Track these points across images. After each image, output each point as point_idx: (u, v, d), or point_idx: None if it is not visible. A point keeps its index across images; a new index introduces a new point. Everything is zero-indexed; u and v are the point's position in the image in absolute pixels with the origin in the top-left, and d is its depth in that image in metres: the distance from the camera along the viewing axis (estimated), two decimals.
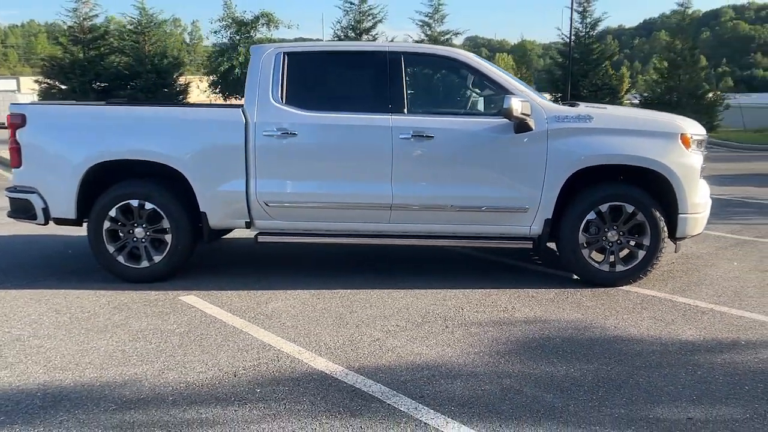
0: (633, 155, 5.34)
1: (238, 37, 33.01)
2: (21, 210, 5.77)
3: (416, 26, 33.42)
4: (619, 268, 5.50)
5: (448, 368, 3.93)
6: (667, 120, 5.65)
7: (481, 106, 5.75)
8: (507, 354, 4.15)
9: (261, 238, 5.68)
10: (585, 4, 32.54)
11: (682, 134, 5.43)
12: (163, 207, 5.56)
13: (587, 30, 32.77)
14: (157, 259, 5.64)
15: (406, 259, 6.60)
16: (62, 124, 5.66)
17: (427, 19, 33.12)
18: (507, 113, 5.18)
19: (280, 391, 3.60)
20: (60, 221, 5.77)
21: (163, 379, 3.76)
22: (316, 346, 4.27)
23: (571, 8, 31.16)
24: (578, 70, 30.56)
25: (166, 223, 5.58)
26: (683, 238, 5.54)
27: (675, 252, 5.70)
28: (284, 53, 5.60)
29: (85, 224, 5.73)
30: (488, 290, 5.47)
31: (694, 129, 5.56)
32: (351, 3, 33.05)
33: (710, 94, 30.52)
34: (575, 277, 5.76)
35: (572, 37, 30.53)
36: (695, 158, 5.46)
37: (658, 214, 5.38)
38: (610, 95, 29.98)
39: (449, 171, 5.48)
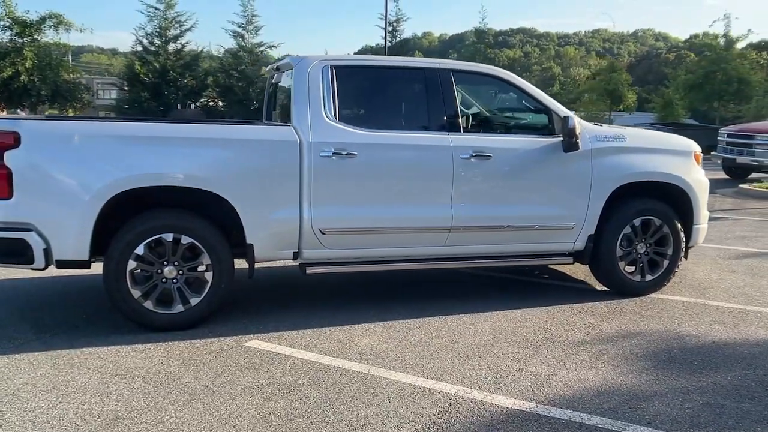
0: (665, 173, 5.82)
1: (21, 40, 29.30)
2: (10, 252, 4.55)
3: (229, 36, 32.51)
4: (648, 277, 5.93)
5: (629, 389, 3.92)
6: (682, 139, 6.22)
7: (529, 125, 5.80)
8: (656, 369, 4.25)
9: (310, 269, 5.14)
10: (395, 24, 34.26)
11: (695, 152, 6.04)
12: (203, 240, 4.78)
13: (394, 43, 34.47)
14: (194, 301, 4.83)
15: (421, 282, 6.40)
16: (73, 143, 4.60)
17: (240, 29, 32.41)
18: (570, 132, 5.33)
19: None
20: (64, 264, 4.68)
21: None
22: (473, 382, 4.00)
23: (385, 28, 32.58)
24: None
25: (206, 259, 4.80)
26: (692, 246, 6.14)
27: (684, 259, 6.27)
28: (332, 66, 5.15)
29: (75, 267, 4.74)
30: (542, 308, 5.51)
31: (698, 148, 6.19)
32: (155, 8, 31.12)
33: None
34: (600, 287, 6.09)
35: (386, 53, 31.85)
36: (703, 173, 6.09)
37: (679, 225, 5.90)
38: None
39: (506, 191, 5.48)
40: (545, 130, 5.63)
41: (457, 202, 5.30)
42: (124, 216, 4.73)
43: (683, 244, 5.97)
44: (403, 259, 5.38)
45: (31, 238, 4.49)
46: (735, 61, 29.68)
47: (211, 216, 4.87)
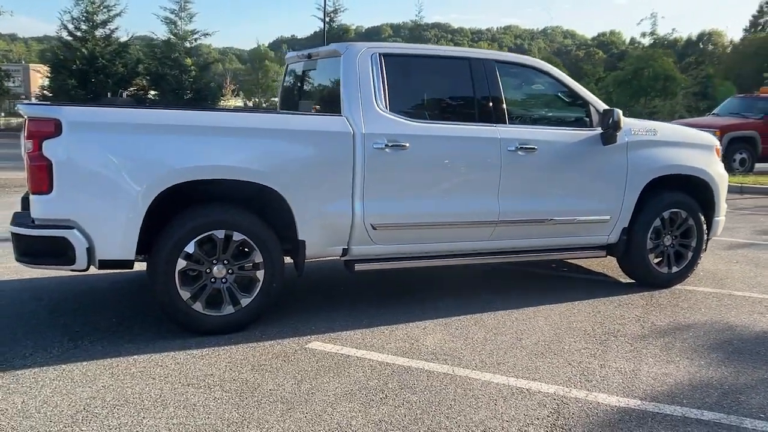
0: (692, 166, 5.93)
1: None
2: (48, 253, 4.12)
3: (161, 23, 31.11)
4: (674, 269, 6.03)
5: (719, 382, 3.91)
6: (704, 134, 6.34)
7: (567, 118, 5.74)
8: (730, 361, 4.27)
9: (359, 267, 4.91)
10: (332, 15, 33.82)
11: (716, 146, 6.18)
12: (255, 237, 4.48)
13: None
14: (245, 302, 4.52)
15: (454, 278, 6.25)
16: (121, 133, 4.18)
17: (173, 16, 31.09)
18: (616, 125, 5.33)
19: None
20: (107, 265, 4.26)
21: None
22: (565, 380, 3.89)
23: (324, 19, 32.15)
24: None
25: (258, 257, 4.50)
26: (711, 238, 6.29)
27: (704, 251, 6.41)
28: (380, 54, 4.92)
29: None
30: (583, 302, 5.49)
31: (718, 142, 6.34)
32: None
33: None
34: (627, 280, 6.16)
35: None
36: (722, 167, 6.24)
37: (702, 218, 6.04)
38: None
39: (549, 184, 5.42)
40: (582, 122, 5.62)
41: (503, 195, 5.21)
42: (166, 212, 4.39)
43: (705, 236, 6.13)
44: (449, 255, 5.26)
45: (73, 236, 4.07)
46: (662, 59, 31.09)
47: (259, 211, 4.60)
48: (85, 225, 4.10)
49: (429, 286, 5.97)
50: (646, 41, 33.25)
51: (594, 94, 5.84)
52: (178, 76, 30.53)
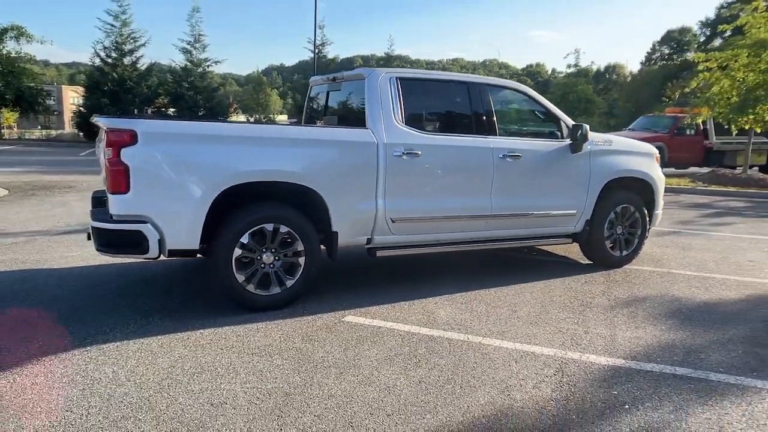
0: (638, 170, 5.92)
1: None
2: (125, 244, 3.89)
3: (179, 52, 30.33)
4: (624, 253, 6.02)
5: (681, 343, 3.87)
6: (646, 144, 6.34)
7: (542, 131, 5.67)
8: (684, 325, 4.22)
9: (380, 253, 4.77)
10: (320, 47, 33.33)
11: (655, 154, 6.19)
12: (298, 229, 4.31)
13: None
14: (289, 283, 4.35)
15: (455, 262, 6.11)
16: (188, 142, 3.96)
17: (188, 46, 30.37)
18: (584, 137, 5.30)
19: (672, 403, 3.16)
20: (175, 253, 4.05)
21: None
22: (560, 344, 3.81)
23: (314, 51, 31.67)
24: None
25: (299, 246, 4.33)
26: (651, 228, 6.31)
27: (647, 238, 6.41)
28: (396, 78, 4.79)
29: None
30: (557, 279, 5.43)
31: (656, 151, 6.36)
32: (112, 25, 28.60)
33: None
34: (585, 262, 6.13)
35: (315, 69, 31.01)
36: (660, 171, 6.26)
37: (646, 211, 6.04)
38: None
39: (531, 184, 5.34)
40: (555, 135, 5.56)
41: (495, 194, 5.12)
42: (222, 209, 4.18)
43: (648, 226, 6.15)
44: (452, 243, 5.15)
45: (147, 229, 3.86)
46: (583, 85, 31.49)
47: (300, 208, 4.42)
48: (157, 219, 3.89)
49: (434, 269, 5.83)
50: (571, 70, 33.69)
51: None
52: (193, 96, 29.89)
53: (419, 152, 4.70)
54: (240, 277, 4.18)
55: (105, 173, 3.87)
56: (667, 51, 59.71)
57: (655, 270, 5.95)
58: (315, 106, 5.96)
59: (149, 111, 28.73)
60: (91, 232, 3.98)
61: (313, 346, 3.67)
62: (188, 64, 30.34)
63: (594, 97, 31.77)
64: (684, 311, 4.62)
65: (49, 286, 4.77)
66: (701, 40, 50.51)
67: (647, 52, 60.90)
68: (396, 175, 4.64)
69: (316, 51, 32.45)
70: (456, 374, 3.32)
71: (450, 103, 5.20)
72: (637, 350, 3.77)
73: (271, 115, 55.47)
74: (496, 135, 5.16)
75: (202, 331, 3.88)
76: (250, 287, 4.22)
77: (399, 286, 5.06)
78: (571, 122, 5.54)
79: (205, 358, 3.45)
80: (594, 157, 5.63)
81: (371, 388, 3.11)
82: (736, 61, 14.19)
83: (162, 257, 4.02)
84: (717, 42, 45.07)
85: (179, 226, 3.97)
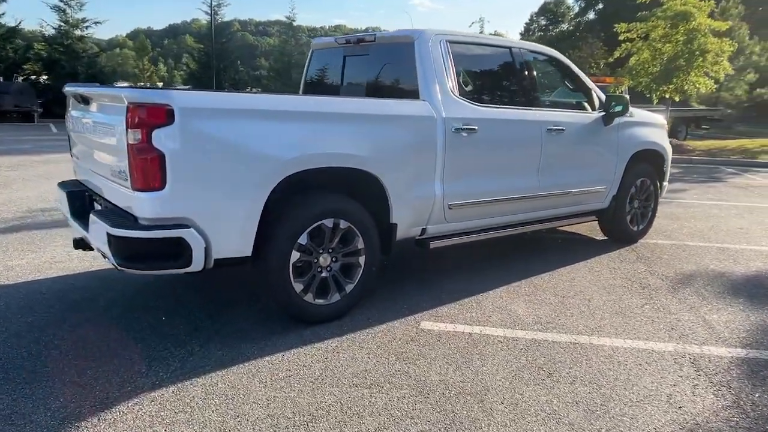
0: (657, 142, 5.80)
1: None
2: (162, 256, 2.95)
3: (51, 11, 26.39)
4: (640, 227, 5.93)
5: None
6: (659, 116, 6.21)
7: (577, 102, 5.27)
8: (754, 303, 4.13)
9: (434, 244, 4.18)
10: (216, 8, 30.79)
11: (665, 125, 6.11)
12: (359, 224, 3.60)
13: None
14: (349, 288, 3.66)
15: (477, 248, 5.40)
16: (238, 120, 3.06)
17: (61, 4, 26.58)
18: (626, 110, 5.02)
19: None
20: (223, 263, 3.17)
21: None
22: (669, 337, 3.51)
23: (211, 7, 29.28)
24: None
25: (360, 243, 3.63)
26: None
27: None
28: (447, 41, 4.14)
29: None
30: (591, 260, 5.17)
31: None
32: None
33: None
34: (598, 237, 5.98)
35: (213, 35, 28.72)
36: (668, 142, 6.22)
37: (659, 183, 5.98)
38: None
39: (572, 160, 4.98)
40: (591, 106, 5.23)
41: (541, 172, 4.71)
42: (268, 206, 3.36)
43: (660, 198, 6.11)
44: (501, 227, 4.67)
45: (191, 236, 2.97)
46: None
47: (358, 197, 3.71)
48: (201, 222, 3.01)
49: (463, 256, 5.24)
50: None
51: None
52: (70, 62, 26.38)
53: (476, 127, 4.14)
54: (298, 287, 3.43)
55: (128, 162, 2.90)
56: (544, 22, 62.26)
57: (669, 243, 5.94)
58: (321, 75, 5.12)
59: (20, 80, 24.92)
60: (107, 240, 3.00)
61: (418, 368, 3.06)
62: (62, 25, 26.63)
63: None
64: (740, 287, 4.55)
65: (15, 314, 3.67)
66: (575, 11, 53.00)
67: (526, 23, 62.82)
68: (454, 154, 4.05)
69: (213, 13, 30.04)
70: (603, 387, 2.90)
71: (498, 71, 4.66)
72: (743, 336, 3.59)
73: (160, 84, 50.88)
74: (540, 107, 4.74)
75: (267, 359, 3.11)
76: (309, 297, 3.48)
77: (444, 279, 4.52)
78: (601, 93, 5.27)
79: (302, 398, 2.73)
80: (621, 129, 5.39)
81: (535, 419, 2.60)
82: (653, 31, 14.97)
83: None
84: (591, 15, 47.85)
85: (230, 229, 3.12)
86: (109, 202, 3.37)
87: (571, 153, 4.98)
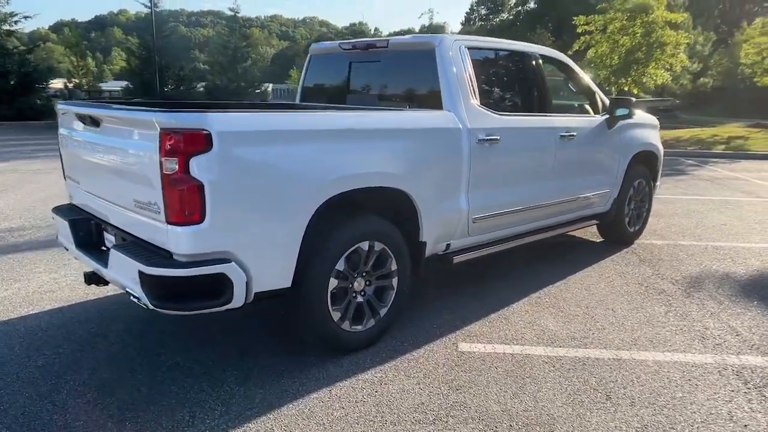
0: (653, 143, 5.91)
1: None
2: (202, 294, 2.72)
3: None
4: (636, 228, 6.04)
5: None
6: (651, 116, 6.30)
7: (585, 105, 5.25)
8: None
9: (457, 259, 4.09)
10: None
11: (658, 125, 6.22)
12: (393, 245, 3.46)
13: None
14: (383, 312, 3.51)
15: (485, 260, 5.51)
16: (278, 142, 2.84)
17: None
18: (632, 114, 5.06)
19: None
20: (262, 297, 2.95)
21: None
22: (703, 348, 3.55)
23: (152, 3, 28.00)
24: None
25: (393, 264, 3.49)
26: None
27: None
28: (466, 47, 4.02)
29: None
30: (597, 264, 5.23)
31: None
32: None
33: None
34: (593, 239, 6.05)
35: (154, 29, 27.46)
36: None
37: (653, 183, 6.10)
38: None
39: (581, 165, 4.99)
40: (595, 109, 5.24)
41: (555, 179, 4.70)
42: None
43: (653, 199, 6.25)
44: (515, 237, 4.61)
45: (232, 270, 2.75)
46: None
47: (389, 217, 3.55)
48: (242, 255, 2.80)
49: (475, 270, 4.83)
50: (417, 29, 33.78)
51: None
52: (0, 60, 24.61)
53: (498, 137, 4.07)
54: (336, 315, 3.26)
55: (162, 194, 2.65)
56: (484, 12, 62.62)
57: (664, 243, 6.08)
58: (322, 82, 4.93)
59: None
60: (139, 279, 2.74)
61: (475, 398, 2.96)
62: None
63: None
64: (749, 289, 4.69)
65: (22, 357, 3.30)
66: (514, 0, 53.73)
67: (466, 13, 62.74)
68: (478, 165, 3.96)
69: (153, 4, 28.71)
70: (664, 408, 2.88)
71: (514, 77, 4.60)
72: None
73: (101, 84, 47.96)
74: (554, 113, 4.72)
75: (315, 396, 2.93)
76: (346, 324, 3.33)
77: (462, 294, 4.43)
78: (603, 96, 5.30)
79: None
80: (622, 132, 5.44)
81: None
82: (611, 24, 15.38)
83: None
84: (531, 4, 48.66)
85: (271, 259, 2.92)
86: (127, 233, 3.10)
87: (580, 158, 4.99)
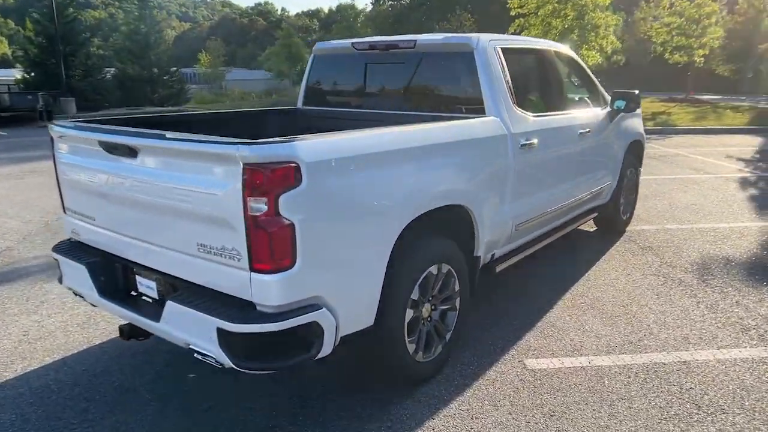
0: (641, 132, 6.06)
1: None
2: (291, 346, 2.37)
3: None
4: (627, 215, 6.19)
5: None
6: None
7: (592, 99, 5.18)
8: None
9: (500, 267, 3.92)
10: None
11: (641, 113, 6.36)
12: (456, 265, 3.25)
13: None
14: (447, 336, 3.31)
15: None
16: (360, 167, 2.52)
17: None
18: (638, 104, 5.11)
19: None
20: (347, 340, 2.63)
21: None
22: (750, 342, 3.65)
23: None
24: None
25: (456, 286, 3.29)
26: None
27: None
28: (500, 48, 3.82)
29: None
30: (607, 256, 5.32)
31: None
32: None
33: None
34: (590, 228, 6.13)
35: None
36: None
37: (639, 170, 6.26)
38: None
39: (594, 159, 4.98)
40: (598, 103, 5.21)
41: (576, 176, 4.66)
42: None
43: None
44: (542, 236, 4.50)
45: (324, 317, 2.44)
46: (360, 28, 31.83)
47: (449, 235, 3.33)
48: (331, 297, 2.48)
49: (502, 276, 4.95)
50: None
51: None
52: None
53: (536, 141, 3.94)
54: (411, 347, 3.01)
55: (246, 238, 2.27)
56: None
57: (652, 228, 6.29)
58: (330, 84, 4.56)
59: None
60: (217, 338, 2.36)
61: (578, 424, 2.83)
62: None
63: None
64: (754, 272, 4.91)
65: (43, 429, 2.80)
66: None
67: None
68: (520, 171, 3.81)
69: None
70: (756, 413, 2.91)
71: (539, 76, 4.46)
72: None
73: None
74: (568, 109, 4.66)
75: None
76: (419, 355, 3.11)
77: (498, 302, 4.30)
78: (602, 88, 5.32)
79: None
80: (620, 123, 5.50)
81: None
82: (543, 7, 15.76)
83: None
84: None
85: (358, 298, 2.63)
86: (179, 279, 2.68)
87: (594, 153, 4.98)
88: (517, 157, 3.75)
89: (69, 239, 3.38)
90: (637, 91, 5.24)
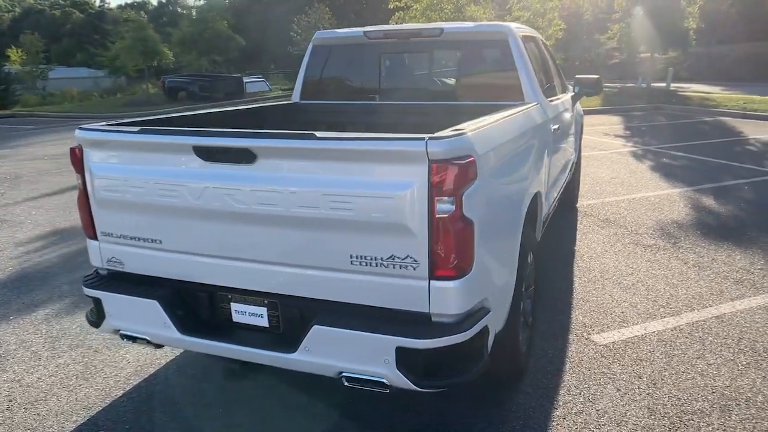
0: (582, 113, 6.43)
1: None
2: (465, 359, 2.16)
3: None
4: (578, 192, 6.60)
5: None
6: None
7: (560, 84, 5.33)
8: None
9: None
10: None
11: None
12: (535, 252, 3.20)
13: None
14: (530, 320, 3.27)
15: None
16: (504, 153, 2.42)
17: None
18: (600, 87, 5.41)
19: None
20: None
21: None
22: None
23: None
24: None
25: (534, 273, 3.24)
26: None
27: None
28: (521, 36, 3.81)
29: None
30: (583, 229, 5.65)
31: None
32: None
33: None
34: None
35: None
36: None
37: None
38: None
39: (571, 137, 5.19)
40: (564, 88, 5.50)
41: (569, 154, 4.88)
42: None
43: None
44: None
45: (492, 321, 2.28)
46: (219, 21, 30.07)
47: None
48: (491, 299, 2.33)
49: None
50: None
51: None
52: None
53: (558, 126, 4.05)
54: (522, 345, 2.95)
55: (428, 242, 2.00)
56: None
57: (595, 202, 6.81)
58: (334, 75, 4.24)
59: None
60: (395, 359, 2.06)
61: (684, 384, 3.00)
62: None
63: (233, 34, 30.81)
64: (707, 231, 5.56)
65: None
66: None
67: None
68: (552, 156, 3.92)
69: None
70: None
71: (542, 62, 4.55)
72: None
73: None
74: (559, 94, 4.85)
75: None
76: (524, 348, 3.04)
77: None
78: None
79: None
80: (575, 105, 5.90)
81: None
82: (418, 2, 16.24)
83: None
84: None
85: (504, 295, 2.50)
86: (296, 298, 2.33)
87: (572, 132, 5.28)
88: (552, 142, 3.85)
89: (96, 270, 2.79)
90: (597, 76, 5.65)
